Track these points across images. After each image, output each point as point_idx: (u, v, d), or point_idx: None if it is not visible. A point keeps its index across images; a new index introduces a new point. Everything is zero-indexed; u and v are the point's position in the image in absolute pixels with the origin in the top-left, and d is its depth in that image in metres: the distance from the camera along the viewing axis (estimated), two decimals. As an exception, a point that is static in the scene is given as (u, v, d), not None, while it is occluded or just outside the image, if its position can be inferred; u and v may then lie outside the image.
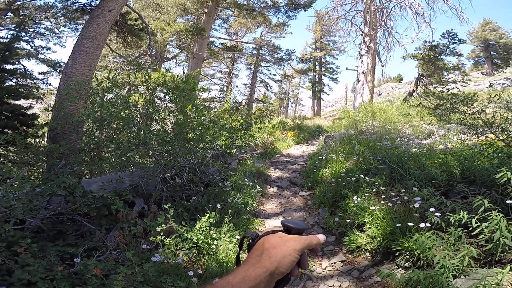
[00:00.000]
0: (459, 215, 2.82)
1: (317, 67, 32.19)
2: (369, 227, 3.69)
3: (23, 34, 11.20)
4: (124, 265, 2.93)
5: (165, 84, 4.74)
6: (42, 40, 13.47)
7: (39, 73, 13.36)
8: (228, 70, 25.98)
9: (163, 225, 3.42)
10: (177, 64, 20.29)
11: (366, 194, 4.24)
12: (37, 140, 6.35)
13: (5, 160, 5.74)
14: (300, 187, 6.62)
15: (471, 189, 3.41)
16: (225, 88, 25.34)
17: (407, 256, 3.09)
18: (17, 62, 9.29)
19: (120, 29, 10.13)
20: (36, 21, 11.51)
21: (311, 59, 30.84)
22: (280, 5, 16.20)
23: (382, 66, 16.97)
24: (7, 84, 7.32)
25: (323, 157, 7.19)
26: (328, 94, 34.84)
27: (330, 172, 6.26)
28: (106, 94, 5.33)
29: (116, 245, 3.62)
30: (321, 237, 0.66)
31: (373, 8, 15.71)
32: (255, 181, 5.82)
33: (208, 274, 3.11)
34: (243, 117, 8.27)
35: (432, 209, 3.04)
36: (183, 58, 19.93)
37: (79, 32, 7.86)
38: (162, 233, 3.44)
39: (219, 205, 4.09)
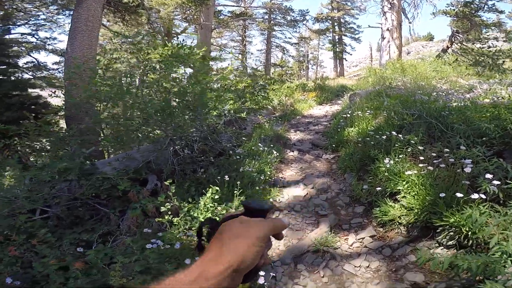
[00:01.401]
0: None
1: (336, 27, 29.76)
2: (404, 196, 3.04)
3: (11, 26, 10.77)
4: (127, 252, 2.59)
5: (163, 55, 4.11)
6: (46, 31, 13.18)
7: (52, 64, 13.25)
8: (241, 38, 24.52)
9: (167, 204, 2.98)
10: (186, 38, 19.36)
11: (400, 156, 3.52)
12: (52, 127, 6.14)
13: (17, 150, 5.57)
14: (323, 150, 5.95)
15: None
16: (240, 56, 24.19)
17: (452, 233, 2.45)
18: (26, 55, 9.12)
19: (115, 8, 9.41)
20: (27, 12, 11.08)
21: (328, 19, 28.28)
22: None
23: (409, 23, 15.23)
24: (22, 76, 7.21)
25: (348, 115, 6.40)
26: (351, 54, 32.40)
27: (356, 131, 5.52)
28: (105, 72, 4.85)
29: (128, 228, 3.31)
30: (285, 220, 0.56)
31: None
32: (272, 146, 5.21)
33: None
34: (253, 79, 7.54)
35: (488, 176, 2.31)
36: (192, 31, 18.93)
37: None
38: (170, 213, 3.03)
39: (227, 176, 3.56)
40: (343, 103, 10.45)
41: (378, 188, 3.31)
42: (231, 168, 4.01)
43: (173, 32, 18.73)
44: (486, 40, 13.99)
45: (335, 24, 29.55)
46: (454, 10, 13.66)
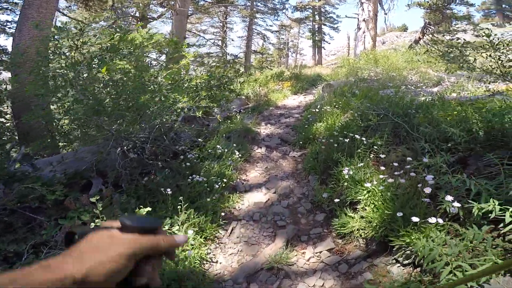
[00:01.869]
0: (488, 204, 1.86)
1: (317, 16, 29.38)
2: (364, 208, 2.79)
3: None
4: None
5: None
6: (8, 14, 12.09)
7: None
8: (221, 24, 23.53)
9: (97, 221, 2.58)
10: (164, 24, 18.40)
11: (363, 160, 3.27)
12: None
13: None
14: (291, 146, 5.65)
15: (499, 155, 2.40)
16: (219, 43, 23.32)
17: (408, 252, 2.21)
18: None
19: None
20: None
21: (308, 8, 27.77)
22: None
23: (385, 14, 15.18)
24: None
25: (317, 110, 6.12)
26: (329, 43, 32.47)
27: (324, 126, 5.25)
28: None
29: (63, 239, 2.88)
30: (180, 238, 0.49)
31: None
32: (236, 144, 4.84)
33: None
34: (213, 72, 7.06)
35: (449, 198, 2.06)
36: (170, 15, 18.00)
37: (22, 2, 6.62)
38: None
39: (169, 189, 3.14)
40: (316, 94, 10.18)
41: (337, 200, 3.04)
42: (183, 173, 3.63)
43: (148, 17, 17.71)
44: (455, 32, 14.09)
45: (315, 13, 29.19)
46: (427, 2, 13.61)
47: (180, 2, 13.40)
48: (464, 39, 13.72)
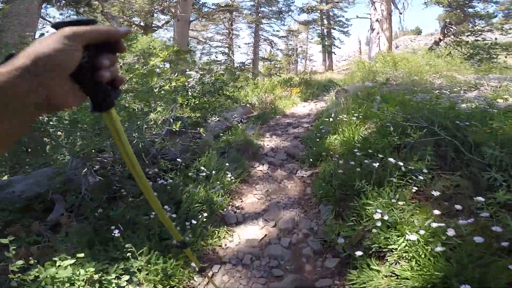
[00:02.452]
0: None
1: (325, 20, 28.40)
2: (398, 261, 1.87)
3: None
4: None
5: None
6: None
7: None
8: (227, 31, 22.92)
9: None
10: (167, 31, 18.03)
11: (397, 192, 2.35)
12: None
13: None
14: (299, 163, 4.73)
15: None
16: (226, 50, 22.73)
17: None
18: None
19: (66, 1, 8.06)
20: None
21: (315, 10, 26.84)
22: None
23: (400, 13, 14.16)
24: None
25: (331, 119, 5.22)
26: (339, 48, 30.98)
27: (340, 140, 4.34)
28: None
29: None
30: (122, 29, 0.45)
31: None
32: (227, 164, 3.96)
33: None
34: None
35: None
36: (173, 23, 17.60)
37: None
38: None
39: (116, 232, 2.29)
40: (329, 100, 9.26)
41: (364, 243, 2.11)
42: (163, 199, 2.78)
43: (153, 26, 17.27)
44: (480, 32, 12.96)
45: (324, 17, 28.24)
46: None
47: (181, 8, 12.82)
48: (491, 38, 12.68)
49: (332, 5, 28.06)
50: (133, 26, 15.66)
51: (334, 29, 28.82)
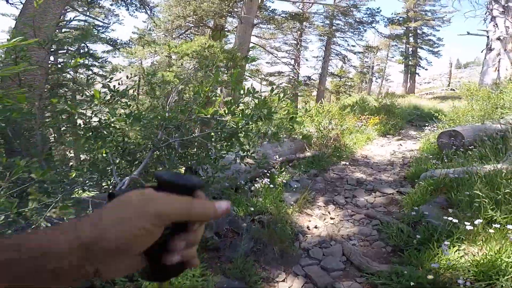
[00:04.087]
0: None
1: (411, 38, 24.19)
2: None
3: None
4: None
5: None
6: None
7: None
8: (295, 42, 20.54)
9: None
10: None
11: None
12: None
13: None
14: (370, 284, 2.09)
15: None
16: (292, 62, 20.41)
17: None
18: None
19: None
20: None
21: (403, 24, 22.76)
22: None
23: None
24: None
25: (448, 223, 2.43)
26: (426, 69, 26.36)
27: (472, 261, 1.63)
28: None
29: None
30: (223, 205, 0.36)
31: None
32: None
33: None
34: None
35: None
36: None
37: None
38: None
39: None
40: (422, 143, 6.14)
41: None
42: None
43: (225, 29, 15.96)
44: None
45: (410, 35, 24.11)
46: None
47: (246, 8, 11.04)
48: None
49: (421, 22, 23.82)
50: (203, 26, 14.49)
51: (422, 48, 24.43)
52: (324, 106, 6.71)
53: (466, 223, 2.28)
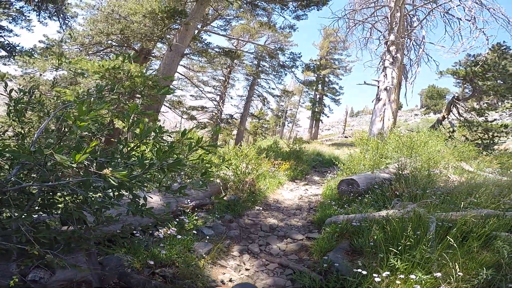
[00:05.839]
0: None
1: (320, 85, 27.55)
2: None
3: None
4: None
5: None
6: None
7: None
8: (224, 78, 21.22)
9: None
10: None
11: None
12: None
13: None
14: None
15: None
16: (217, 98, 20.73)
17: None
18: None
19: None
20: None
21: (315, 70, 25.77)
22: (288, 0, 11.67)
23: (410, 83, 12.65)
24: None
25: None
26: (328, 116, 29.72)
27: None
28: None
29: None
30: None
31: (403, 13, 11.27)
32: None
33: None
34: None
35: None
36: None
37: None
38: None
39: None
40: (325, 188, 6.69)
41: None
42: None
43: (152, 53, 15.09)
44: (483, 111, 11.00)
45: (319, 82, 27.28)
46: (463, 70, 10.94)
47: (179, 37, 10.59)
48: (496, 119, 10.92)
49: (330, 70, 27.17)
50: (128, 47, 13.34)
51: (327, 95, 27.82)
52: (243, 149, 6.79)
53: (374, 275, 2.39)
